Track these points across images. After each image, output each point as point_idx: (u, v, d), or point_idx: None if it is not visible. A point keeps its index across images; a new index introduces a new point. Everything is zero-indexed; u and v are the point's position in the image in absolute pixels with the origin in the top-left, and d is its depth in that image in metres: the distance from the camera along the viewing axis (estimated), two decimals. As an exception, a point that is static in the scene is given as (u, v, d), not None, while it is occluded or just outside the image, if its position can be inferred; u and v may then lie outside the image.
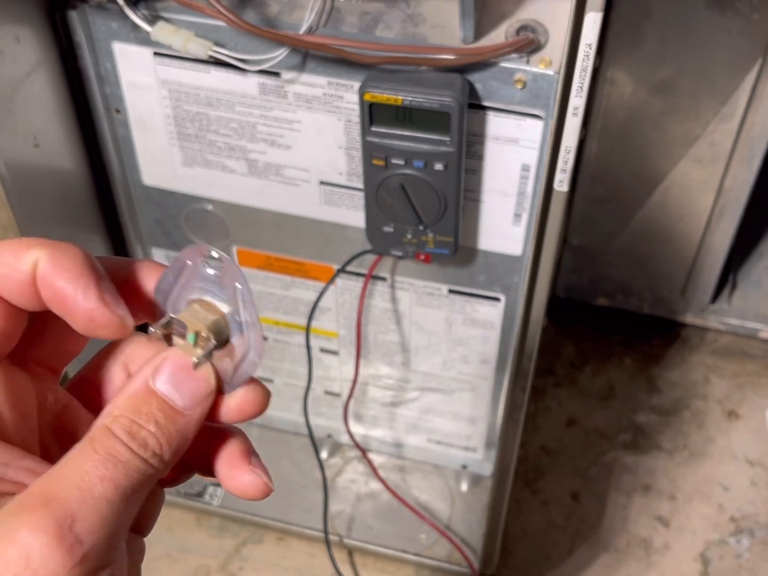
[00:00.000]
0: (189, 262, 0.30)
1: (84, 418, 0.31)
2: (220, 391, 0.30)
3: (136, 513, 0.27)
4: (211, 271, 0.30)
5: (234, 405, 0.30)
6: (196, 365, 0.29)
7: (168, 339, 0.31)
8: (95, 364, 0.32)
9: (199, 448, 0.31)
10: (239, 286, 0.29)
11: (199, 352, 0.30)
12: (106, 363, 0.32)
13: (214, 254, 0.30)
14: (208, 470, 0.31)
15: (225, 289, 0.30)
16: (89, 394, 0.32)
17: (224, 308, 0.30)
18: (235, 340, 0.30)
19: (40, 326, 0.31)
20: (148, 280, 0.31)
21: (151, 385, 0.29)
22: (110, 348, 0.32)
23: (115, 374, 0.32)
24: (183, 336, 0.30)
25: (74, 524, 0.24)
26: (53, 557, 0.24)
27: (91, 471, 0.25)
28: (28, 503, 0.25)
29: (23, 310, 0.29)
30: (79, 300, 0.28)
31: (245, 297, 0.30)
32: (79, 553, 0.24)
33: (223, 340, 0.30)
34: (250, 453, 0.31)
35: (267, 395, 0.31)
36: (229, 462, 0.31)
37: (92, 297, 0.28)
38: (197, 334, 0.30)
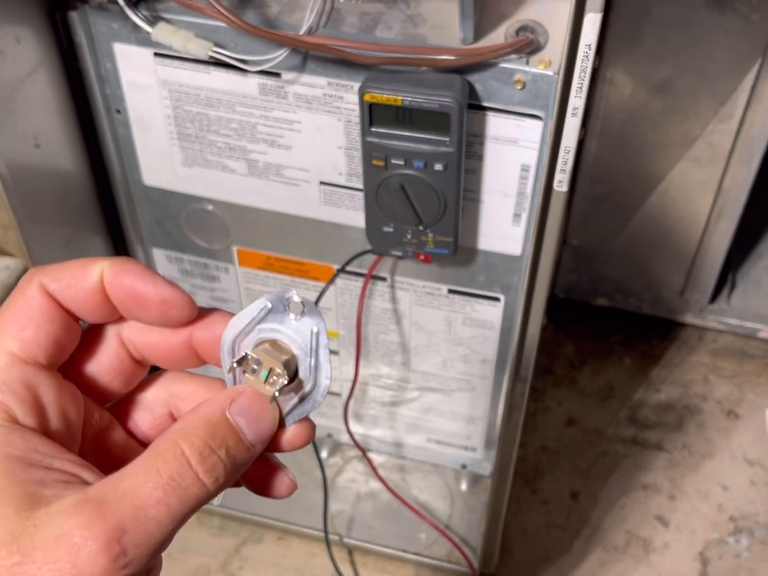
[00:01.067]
0: (269, 305, 0.31)
1: (122, 441, 0.33)
2: (281, 425, 0.32)
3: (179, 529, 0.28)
4: (291, 315, 0.31)
5: (286, 439, 0.32)
6: (272, 400, 0.31)
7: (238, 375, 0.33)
8: (137, 392, 0.34)
9: None
10: (316, 329, 0.31)
11: (270, 389, 0.31)
12: (147, 392, 0.34)
13: (296, 299, 0.31)
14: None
15: (301, 332, 0.31)
16: (125, 420, 0.34)
17: (295, 349, 0.31)
18: (304, 379, 0.32)
19: (95, 346, 0.33)
20: (217, 326, 0.32)
21: (227, 414, 0.30)
22: (153, 379, 0.34)
23: (156, 406, 0.34)
24: (254, 373, 0.31)
25: (123, 536, 0.26)
26: (98, 563, 0.26)
27: (149, 493, 0.27)
28: (84, 508, 0.26)
29: (77, 325, 0.32)
30: (150, 288, 0.31)
31: (321, 341, 0.31)
32: (121, 563, 0.26)
33: (291, 379, 0.31)
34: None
35: (314, 429, 0.33)
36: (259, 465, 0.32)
37: (161, 283, 0.31)
38: (270, 371, 0.31)
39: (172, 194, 0.79)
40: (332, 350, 0.93)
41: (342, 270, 0.80)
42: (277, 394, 0.31)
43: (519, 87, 0.60)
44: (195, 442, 0.29)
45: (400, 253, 0.72)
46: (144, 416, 0.34)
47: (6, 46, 0.62)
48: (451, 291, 0.81)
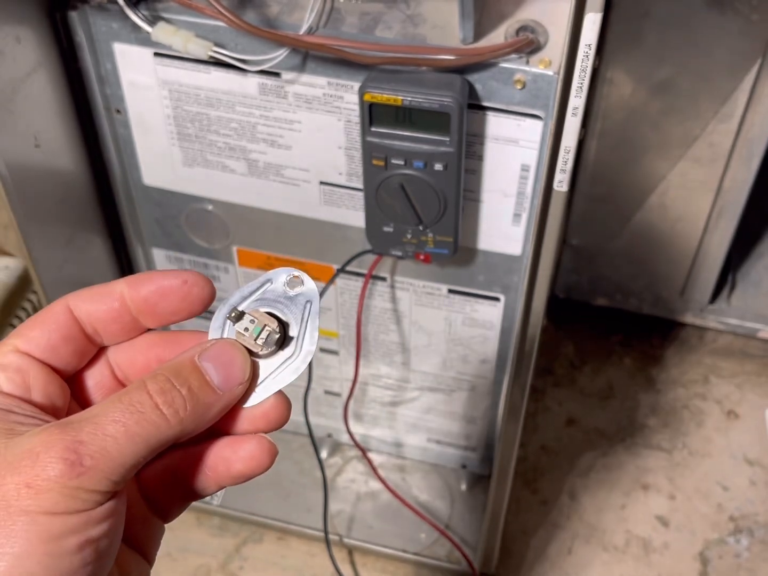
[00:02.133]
0: (271, 279, 0.34)
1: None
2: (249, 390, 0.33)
3: (141, 463, 0.30)
4: (289, 290, 0.34)
5: (260, 412, 0.33)
6: (260, 352, 0.33)
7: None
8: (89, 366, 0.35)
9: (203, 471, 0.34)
10: (310, 303, 0.33)
11: (259, 343, 0.33)
12: (97, 364, 0.35)
13: (296, 273, 0.34)
14: (206, 489, 0.34)
15: (296, 305, 0.34)
16: (77, 391, 0.35)
17: (288, 318, 0.34)
18: (287, 349, 0.34)
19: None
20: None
21: (195, 359, 0.32)
22: (101, 352, 0.35)
23: (103, 377, 0.35)
24: (246, 332, 0.33)
25: (79, 447, 0.28)
26: (56, 468, 0.28)
27: (109, 414, 0.29)
28: (49, 429, 0.29)
29: (90, 346, 0.34)
30: (168, 274, 0.33)
31: (312, 310, 0.34)
32: (77, 471, 0.28)
33: (278, 345, 0.33)
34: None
35: (290, 406, 0.34)
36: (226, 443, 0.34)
37: (177, 272, 0.34)
38: (264, 328, 0.33)
39: (172, 194, 0.79)
40: (332, 350, 0.93)
41: (342, 270, 0.80)
42: (261, 342, 0.33)
43: (519, 87, 0.60)
44: (159, 379, 0.31)
45: (400, 253, 0.72)
46: (95, 387, 0.35)
47: (6, 46, 0.62)
48: (451, 291, 0.81)
